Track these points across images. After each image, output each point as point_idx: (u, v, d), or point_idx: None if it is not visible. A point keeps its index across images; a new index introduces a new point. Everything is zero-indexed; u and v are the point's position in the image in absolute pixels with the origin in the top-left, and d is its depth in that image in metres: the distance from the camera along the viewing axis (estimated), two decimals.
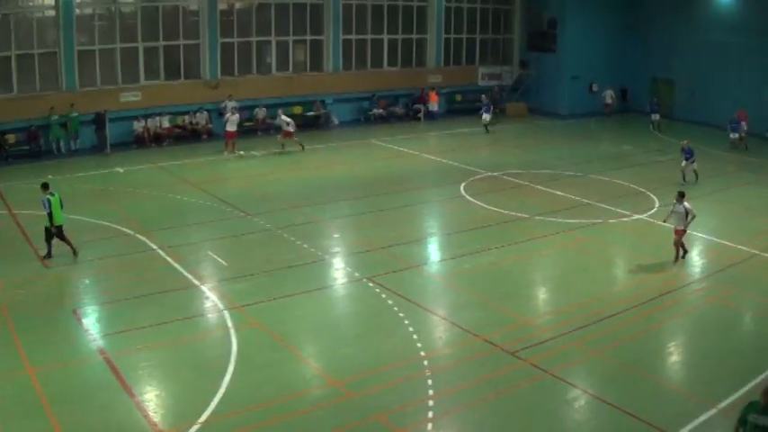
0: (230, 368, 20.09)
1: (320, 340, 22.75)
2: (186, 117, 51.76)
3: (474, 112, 57.03)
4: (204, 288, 25.69)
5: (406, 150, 49.39)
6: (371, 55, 61.31)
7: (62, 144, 47.04)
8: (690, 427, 17.56)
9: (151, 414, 17.86)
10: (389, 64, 62.41)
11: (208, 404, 18.18)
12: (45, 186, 28.37)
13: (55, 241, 28.17)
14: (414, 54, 63.69)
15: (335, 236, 32.17)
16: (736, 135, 50.02)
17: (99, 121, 46.91)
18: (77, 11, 47.39)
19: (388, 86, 61.44)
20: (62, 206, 28.22)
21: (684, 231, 28.17)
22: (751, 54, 55.42)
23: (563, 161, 46.37)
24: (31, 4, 46.89)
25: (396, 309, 24.07)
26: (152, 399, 18.72)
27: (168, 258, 28.39)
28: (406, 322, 23.08)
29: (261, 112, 53.68)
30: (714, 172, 43.25)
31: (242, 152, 45.97)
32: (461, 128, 56.09)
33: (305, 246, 29.97)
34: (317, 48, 58.47)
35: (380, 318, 23.72)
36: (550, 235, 31.90)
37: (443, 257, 30.43)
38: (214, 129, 51.55)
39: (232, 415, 17.88)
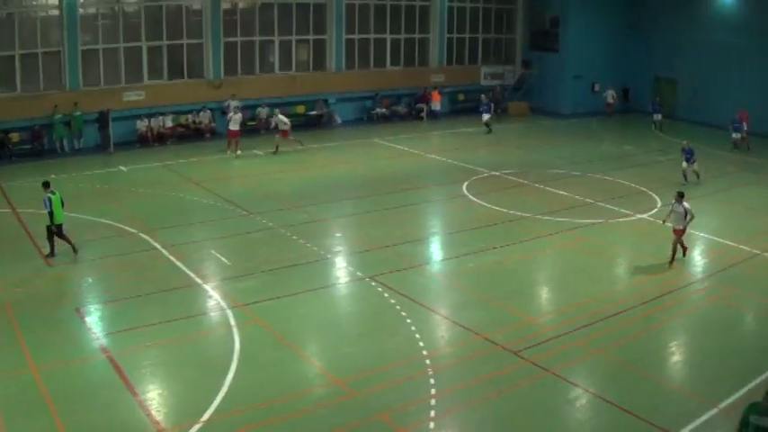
0: (233, 367, 20.13)
1: (323, 339, 22.80)
2: (189, 116, 51.80)
3: (477, 111, 56.93)
4: (207, 287, 25.74)
5: (408, 150, 49.42)
6: (374, 54, 61.35)
7: (65, 143, 47.09)
8: (691, 426, 17.58)
9: (154, 412, 17.91)
10: (392, 63, 62.47)
11: (210, 403, 18.22)
12: (46, 185, 28.43)
13: (58, 240, 28.23)
14: (416, 53, 63.75)
15: (338, 235, 32.23)
16: (738, 135, 50.00)
17: (102, 120, 46.98)
18: (81, 10, 47.43)
19: (390, 86, 61.49)
20: (63, 205, 28.28)
21: (683, 231, 28.09)
22: (753, 54, 55.44)
23: (565, 161, 46.41)
24: (34, 3, 47.00)
25: (398, 308, 24.11)
26: (155, 397, 18.77)
27: (171, 257, 28.44)
28: (409, 321, 23.12)
29: (263, 112, 53.70)
30: (716, 172, 43.27)
31: (239, 152, 45.94)
32: (464, 127, 56.12)
33: (308, 245, 30.01)
34: (319, 47, 58.53)
35: (383, 317, 23.76)
36: (552, 234, 31.94)
37: (446, 257, 30.46)
38: (217, 128, 51.59)
39: (235, 413, 17.92)
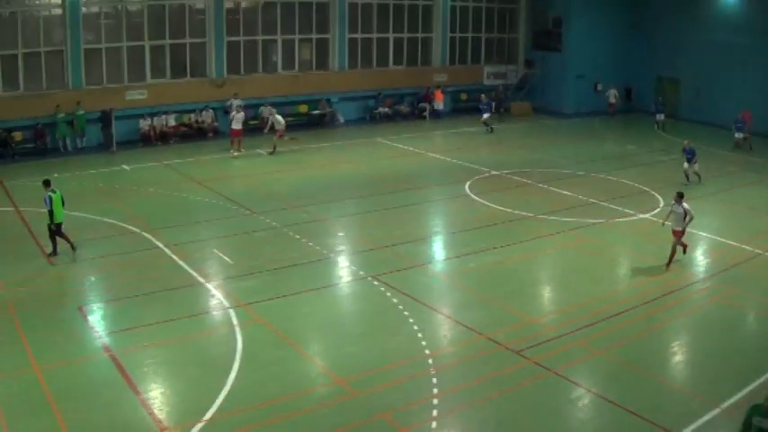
0: (235, 366, 20.16)
1: (325, 338, 22.83)
2: (192, 115, 51.85)
3: (480, 111, 56.84)
4: (210, 286, 25.76)
5: (411, 149, 49.44)
6: (377, 54, 61.37)
7: (68, 142, 47.14)
8: (693, 426, 17.57)
9: (156, 411, 17.93)
10: (395, 63, 62.48)
11: (213, 402, 18.24)
12: (47, 183, 28.45)
13: (58, 239, 28.28)
14: (419, 53, 63.79)
15: (341, 234, 32.26)
16: (741, 135, 49.98)
17: (105, 119, 47.03)
18: (84, 9, 47.46)
19: (393, 85, 61.50)
20: (63, 204, 28.32)
21: (683, 233, 27.96)
22: (756, 54, 55.41)
23: (567, 160, 46.41)
24: (37, 2, 47.06)
25: (401, 307, 24.12)
26: (157, 396, 18.80)
27: (174, 256, 28.47)
28: (411, 321, 23.14)
29: (266, 111, 53.70)
30: (718, 172, 43.28)
31: (234, 153, 45.91)
32: (466, 127, 56.10)
33: (310, 244, 30.04)
34: (322, 46, 58.56)
35: (385, 316, 23.77)
36: (555, 234, 31.94)
37: (448, 256, 30.48)
38: (220, 127, 51.63)
39: (237, 412, 17.94)
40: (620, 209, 35.40)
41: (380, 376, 19.90)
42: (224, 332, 22.47)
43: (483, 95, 57.40)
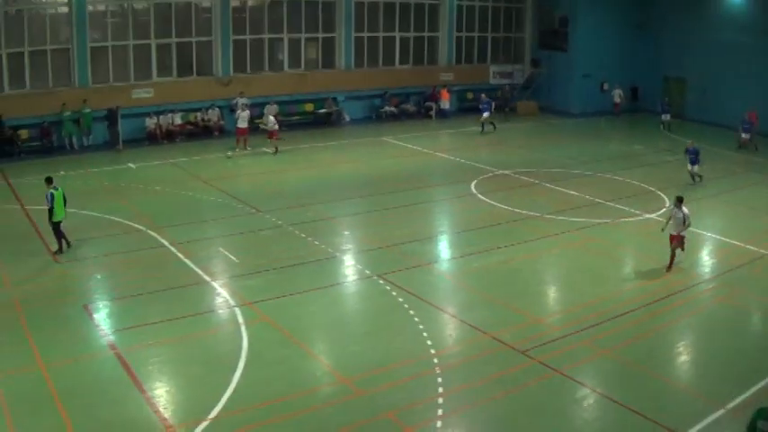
0: (241, 364, 20.18)
1: (330, 337, 22.86)
2: (198, 114, 51.91)
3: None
4: (215, 284, 25.80)
5: (417, 148, 49.43)
6: (383, 53, 61.36)
7: (74, 140, 47.17)
8: (698, 427, 17.57)
9: (161, 409, 17.96)
10: (401, 62, 62.47)
11: (218, 400, 18.27)
12: (49, 180, 28.52)
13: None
14: (425, 52, 63.75)
15: (346, 233, 32.28)
16: (748, 135, 49.87)
17: (111, 117, 47.06)
18: (90, 7, 47.52)
19: (399, 84, 61.47)
20: (65, 202, 28.40)
21: (682, 239, 27.66)
22: (762, 54, 55.24)
23: (573, 160, 46.38)
24: (44, 0, 47.01)
25: (406, 306, 24.14)
26: (162, 394, 18.82)
27: (179, 254, 28.50)
28: (416, 320, 23.15)
29: (272, 109, 53.68)
30: (723, 172, 43.32)
31: (230, 153, 45.79)
32: (473, 126, 55.92)
33: (316, 243, 30.05)
34: (329, 45, 58.57)
35: (390, 315, 23.78)
36: (560, 234, 31.92)
37: (454, 255, 30.47)
38: (226, 125, 51.65)
39: (242, 411, 17.97)
40: (626, 209, 35.38)
41: (385, 375, 19.92)
42: (229, 330, 22.51)
43: (483, 95, 57.15)
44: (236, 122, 47.30)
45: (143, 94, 49.60)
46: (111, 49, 48.99)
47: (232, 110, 50.43)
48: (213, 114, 51.98)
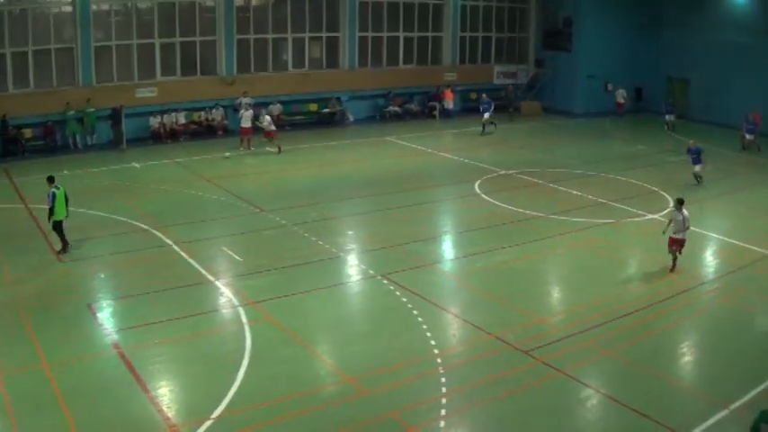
0: (244, 364, 20.18)
1: (334, 337, 22.86)
2: (202, 113, 51.95)
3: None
4: (219, 284, 25.80)
5: (421, 148, 49.43)
6: (387, 52, 61.33)
7: (78, 139, 47.24)
8: (701, 427, 17.54)
9: (165, 409, 17.97)
10: (405, 62, 62.45)
11: (221, 399, 18.26)
12: (51, 179, 28.48)
13: (70, 236, 28.33)
14: (429, 52, 63.74)
15: (350, 233, 32.30)
16: (752, 137, 49.77)
17: (115, 116, 47.10)
18: (94, 7, 47.51)
19: (403, 84, 61.45)
20: (68, 201, 28.36)
21: (682, 243, 27.46)
22: (766, 55, 55.19)
23: (577, 160, 46.35)
24: None
25: (410, 306, 24.13)
26: (166, 393, 18.84)
27: (183, 254, 28.51)
28: (420, 320, 23.14)
29: (276, 109, 53.77)
30: (727, 173, 43.28)
31: (228, 153, 45.64)
32: (477, 126, 55.72)
33: (319, 242, 30.06)
34: (332, 45, 58.57)
35: (394, 315, 23.77)
36: (564, 234, 31.90)
37: (457, 255, 30.47)
38: (230, 125, 51.66)
39: (245, 410, 17.98)
40: (630, 209, 35.34)
41: (389, 375, 19.91)
42: (233, 330, 22.51)
43: (484, 95, 57.05)
44: (239, 122, 47.28)
45: (147, 93, 49.62)
46: (115, 49, 49.03)
47: (236, 109, 50.39)
48: (217, 114, 52.04)
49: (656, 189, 38.83)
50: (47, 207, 28.07)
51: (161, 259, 28.14)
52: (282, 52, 56.66)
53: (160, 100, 49.97)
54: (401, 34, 61.60)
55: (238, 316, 23.24)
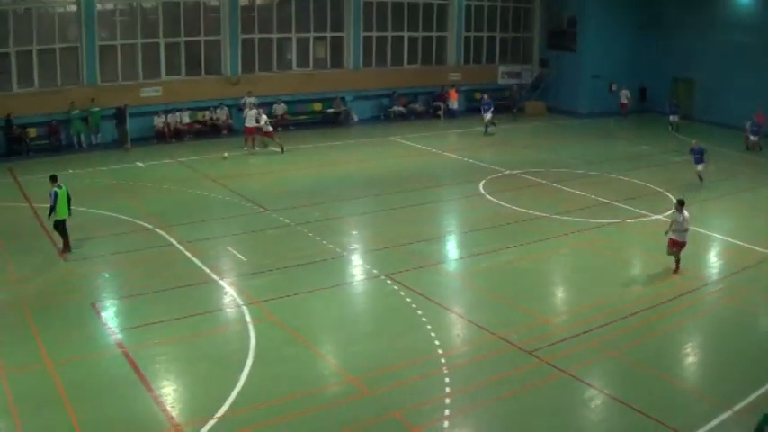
0: (248, 363, 20.19)
1: (338, 336, 22.85)
2: (207, 113, 52.00)
3: (495, 110, 56.65)
4: (223, 283, 25.81)
5: (425, 148, 49.43)
6: (392, 52, 61.38)
7: (83, 138, 47.32)
8: (704, 428, 17.51)
9: (169, 408, 17.97)
10: (410, 61, 62.46)
11: (225, 399, 18.28)
12: (53, 179, 28.48)
13: (73, 235, 28.36)
14: (434, 52, 63.75)
15: (354, 232, 32.28)
16: (756, 138, 49.69)
17: (120, 115, 47.13)
18: (99, 6, 47.59)
19: (408, 84, 61.49)
20: (70, 200, 28.34)
21: (683, 244, 27.30)
22: None
23: (581, 160, 46.32)
24: None
25: (414, 306, 24.12)
26: (170, 393, 18.84)
27: (187, 253, 28.52)
28: (424, 320, 23.13)
29: (280, 109, 53.82)
30: (730, 173, 43.23)
31: (226, 154, 45.33)
32: (481, 126, 55.71)
33: (324, 242, 30.06)
34: (337, 45, 58.59)
35: (398, 315, 23.77)
36: (568, 234, 31.88)
37: (461, 255, 30.45)
38: (234, 125, 51.69)
39: (249, 410, 17.98)
40: (634, 209, 35.32)
41: (392, 375, 19.91)
42: (237, 329, 22.53)
43: (485, 95, 56.98)
44: (243, 122, 47.30)
45: (151, 92, 49.67)
46: (120, 48, 49.11)
47: (240, 109, 50.42)
48: (222, 113, 52.08)
49: (660, 190, 38.79)
50: (47, 206, 28.13)
51: (165, 259, 28.16)
52: (287, 52, 56.72)
53: (165, 99, 50.03)
54: (406, 34, 61.63)
55: (242, 315, 23.26)
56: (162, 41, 50.38)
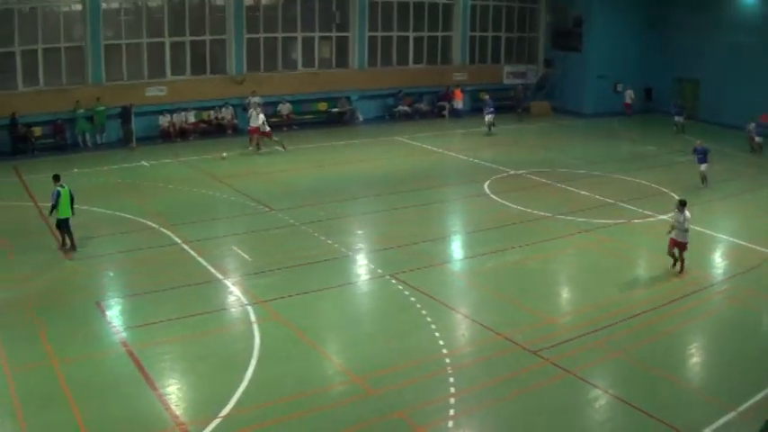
0: (252, 362, 20.19)
1: (342, 336, 22.86)
2: (212, 112, 52.03)
3: (500, 110, 56.63)
4: (228, 282, 25.82)
5: (430, 148, 49.41)
6: (397, 52, 61.36)
7: (88, 137, 47.38)
8: (709, 429, 17.47)
9: (173, 407, 17.98)
10: (415, 61, 62.44)
11: (229, 398, 18.28)
12: (56, 178, 28.62)
13: (80, 234, 28.39)
14: (439, 52, 63.75)
15: (359, 232, 32.28)
16: (761, 139, 49.58)
17: (125, 114, 47.18)
18: (104, 5, 47.62)
19: (413, 84, 61.45)
20: (72, 200, 28.39)
21: (685, 245, 27.21)
22: None
23: (586, 161, 46.27)
24: None
25: (418, 306, 24.11)
26: (174, 392, 18.85)
27: (192, 252, 28.53)
28: (429, 320, 23.12)
29: (285, 108, 53.85)
30: (733, 174, 43.11)
31: (225, 153, 45.24)
32: (486, 126, 55.84)
33: (328, 242, 30.06)
34: (342, 44, 58.61)
35: (403, 314, 23.76)
36: (573, 234, 31.85)
37: (466, 255, 30.45)
38: (239, 124, 51.70)
39: (253, 409, 17.98)
40: (639, 210, 35.27)
41: (397, 375, 19.89)
42: (241, 329, 22.52)
43: (487, 96, 56.80)
44: (248, 121, 47.30)
45: (157, 92, 49.73)
46: (125, 47, 49.16)
47: (245, 108, 50.41)
48: (227, 113, 52.09)
49: (665, 190, 38.73)
50: (48, 205, 28.21)
51: (170, 258, 28.18)
52: (292, 51, 56.71)
53: (170, 99, 50.09)
54: (411, 34, 61.63)
55: (247, 315, 23.26)
56: (167, 41, 50.43)
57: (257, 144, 46.66)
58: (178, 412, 17.74)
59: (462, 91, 62.00)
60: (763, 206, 37.11)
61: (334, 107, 57.31)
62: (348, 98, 57.83)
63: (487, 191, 38.22)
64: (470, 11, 63.76)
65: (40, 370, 19.55)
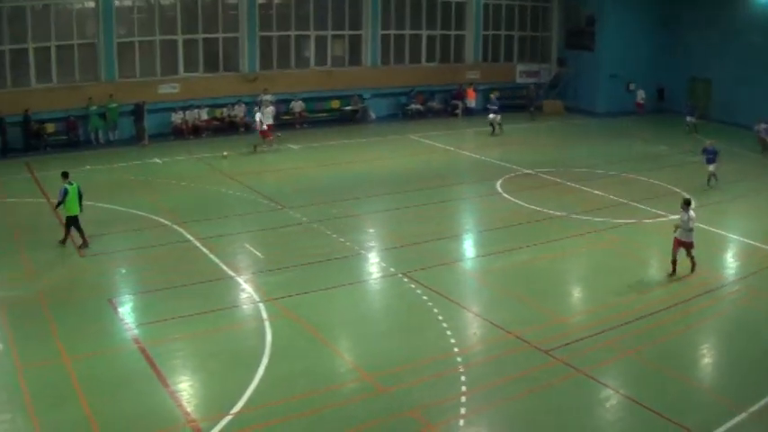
0: (264, 360, 20.21)
1: (354, 334, 22.88)
2: (224, 109, 52.11)
3: (512, 109, 56.63)
4: (240, 280, 25.86)
5: (442, 146, 49.41)
6: (410, 50, 61.36)
7: (100, 134, 47.53)
8: (720, 430, 17.42)
9: (185, 404, 18.02)
10: (427, 60, 62.42)
11: (241, 395, 18.30)
12: (65, 175, 28.68)
13: (92, 231, 28.45)
14: (452, 50, 63.74)
15: (371, 230, 32.28)
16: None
17: (137, 112, 47.27)
18: (117, 2, 47.81)
19: (425, 82, 61.51)
20: (81, 197, 28.47)
21: (691, 244, 27.08)
22: None
23: (599, 160, 46.18)
24: None
25: (430, 304, 24.11)
26: (186, 389, 18.89)
27: (204, 249, 28.58)
28: (440, 318, 23.12)
29: (298, 106, 53.89)
30: (743, 175, 42.91)
31: (225, 152, 45.02)
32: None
33: (340, 239, 30.08)
34: (355, 42, 58.62)
35: (415, 313, 23.76)
36: (585, 234, 31.80)
37: (478, 254, 30.42)
38: (252, 122, 51.68)
39: (265, 406, 18.00)
40: (651, 210, 35.19)
41: (409, 373, 19.89)
42: (253, 326, 22.55)
43: (492, 95, 56.70)
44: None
45: (169, 89, 49.86)
46: (138, 45, 49.27)
47: (257, 105, 50.40)
48: (239, 110, 52.13)
49: (677, 190, 38.57)
50: (55, 201, 28.32)
51: (182, 255, 28.25)
52: (305, 49, 56.77)
53: (182, 96, 50.20)
54: (424, 32, 61.60)
55: (259, 312, 23.29)
56: (180, 38, 50.53)
57: (270, 142, 46.60)
58: (189, 409, 17.78)
59: (475, 90, 61.93)
60: None
61: (347, 105, 57.36)
62: (361, 96, 57.85)
63: (500, 190, 38.20)
64: (483, 10, 63.70)
65: (51, 367, 19.60)
